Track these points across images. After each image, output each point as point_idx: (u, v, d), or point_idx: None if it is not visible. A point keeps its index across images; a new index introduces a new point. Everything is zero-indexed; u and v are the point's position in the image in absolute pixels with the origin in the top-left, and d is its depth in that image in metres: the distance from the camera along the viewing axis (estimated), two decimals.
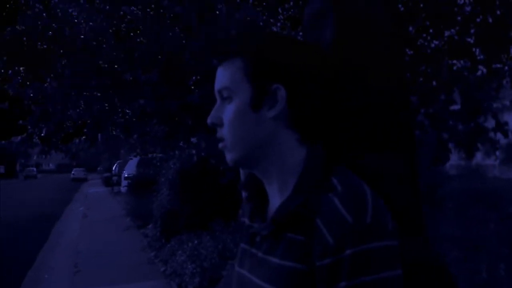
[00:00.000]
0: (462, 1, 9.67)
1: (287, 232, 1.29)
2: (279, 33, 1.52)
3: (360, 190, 1.26)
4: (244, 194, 1.54)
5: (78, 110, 9.33)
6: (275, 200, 1.38)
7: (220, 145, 1.39)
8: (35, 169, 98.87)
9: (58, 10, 9.84)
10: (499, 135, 9.89)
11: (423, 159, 8.90)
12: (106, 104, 9.30)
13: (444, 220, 7.92)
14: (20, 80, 10.27)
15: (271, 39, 1.40)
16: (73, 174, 76.38)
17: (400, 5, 9.46)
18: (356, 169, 1.34)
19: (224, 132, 1.38)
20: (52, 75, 9.67)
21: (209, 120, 1.40)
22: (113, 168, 42.36)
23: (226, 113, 1.37)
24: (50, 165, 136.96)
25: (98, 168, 76.66)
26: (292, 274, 1.26)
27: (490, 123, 10.00)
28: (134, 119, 9.28)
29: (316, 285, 1.23)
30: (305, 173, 1.32)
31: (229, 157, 1.39)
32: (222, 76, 1.38)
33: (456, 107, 9.80)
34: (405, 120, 1.51)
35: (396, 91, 1.50)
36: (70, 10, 9.56)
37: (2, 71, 10.19)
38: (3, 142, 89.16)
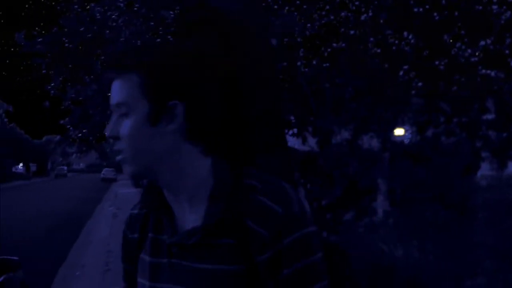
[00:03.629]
0: (498, 10, 9.64)
1: (214, 238, 1.33)
2: (172, 46, 1.48)
3: (279, 184, 1.36)
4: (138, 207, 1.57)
5: None
6: (184, 211, 1.40)
7: (118, 157, 1.40)
8: (65, 168, 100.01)
9: (98, 14, 10.02)
10: None
11: (455, 168, 8.87)
12: None
13: (477, 229, 7.90)
14: (61, 81, 10.47)
15: (165, 54, 1.41)
16: (103, 174, 76.82)
17: (435, 14, 9.47)
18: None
19: (122, 145, 1.37)
20: (92, 77, 9.84)
21: (107, 133, 1.40)
22: None
23: (124, 127, 1.36)
24: (81, 164, 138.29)
25: None
26: (229, 276, 1.31)
27: None
28: None
29: (260, 279, 1.30)
30: (218, 181, 1.36)
31: (127, 169, 1.39)
32: (119, 91, 1.38)
33: (490, 116, 9.76)
34: (280, 126, 1.57)
35: (271, 102, 1.54)
36: (109, 13, 9.72)
37: (44, 71, 10.41)
38: (36, 141, 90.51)
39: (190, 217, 1.39)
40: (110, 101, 1.41)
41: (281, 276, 1.31)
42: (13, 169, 78.09)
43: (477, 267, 6.51)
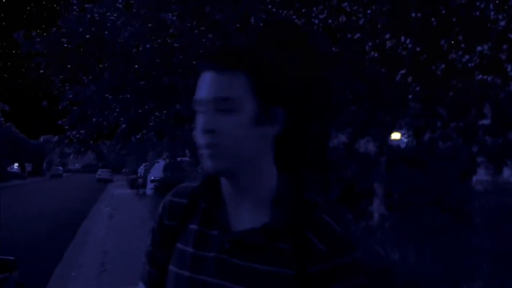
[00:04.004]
0: (495, 17, 9.66)
1: (271, 241, 1.38)
2: (281, 53, 1.50)
3: (338, 207, 1.48)
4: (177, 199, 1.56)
5: (115, 113, 9.49)
6: (242, 211, 1.44)
7: (206, 151, 1.38)
8: (61, 168, 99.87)
9: (96, 15, 10.03)
10: None
11: (452, 173, 8.90)
12: (141, 108, 9.44)
13: (474, 234, 7.93)
14: (60, 81, 10.49)
15: (279, 61, 1.43)
16: (99, 174, 76.68)
17: (433, 19, 9.51)
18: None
19: (216, 140, 1.37)
20: (90, 78, 9.85)
21: (205, 127, 1.38)
22: (139, 170, 42.69)
23: (226, 123, 1.36)
24: (76, 165, 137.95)
25: (123, 170, 77.12)
26: (281, 279, 1.36)
27: None
28: (169, 123, 9.39)
29: (308, 287, 1.36)
30: (284, 189, 1.42)
31: (214, 165, 1.38)
32: (222, 86, 1.37)
33: (486, 121, 9.79)
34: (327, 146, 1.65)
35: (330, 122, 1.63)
36: (108, 14, 9.73)
37: (43, 71, 10.41)
38: (31, 141, 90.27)
39: (246, 217, 1.44)
40: (206, 94, 1.40)
41: None
42: (8, 169, 77.91)
43: (474, 271, 6.54)
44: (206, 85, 1.40)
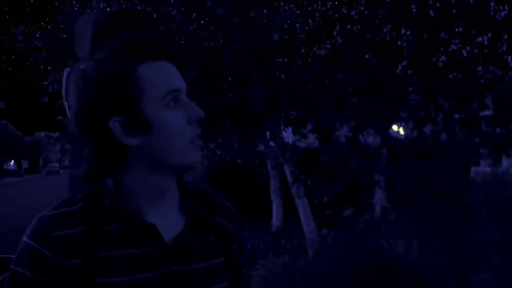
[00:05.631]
0: (496, 8, 9.65)
1: (200, 237, 1.40)
2: None
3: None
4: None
5: None
6: (167, 218, 1.35)
7: (199, 142, 1.36)
8: (57, 165, 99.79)
9: (95, 11, 9.97)
10: None
11: (456, 164, 8.89)
12: None
13: (479, 226, 7.93)
14: (60, 76, 10.43)
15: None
16: None
17: (431, 11, 9.49)
18: None
19: None
20: None
21: (203, 116, 1.38)
22: None
23: None
24: None
25: None
26: (217, 269, 1.41)
27: None
28: None
29: (229, 268, 1.45)
30: (181, 186, 1.42)
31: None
32: (180, 76, 1.40)
33: (488, 112, 9.77)
34: None
35: None
36: (108, 10, 9.67)
37: (42, 67, 10.37)
38: (28, 137, 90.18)
39: (168, 224, 1.35)
40: (182, 83, 1.36)
41: (240, 261, 1.51)
42: (5, 166, 77.87)
43: (481, 263, 6.53)
44: (176, 74, 1.36)
